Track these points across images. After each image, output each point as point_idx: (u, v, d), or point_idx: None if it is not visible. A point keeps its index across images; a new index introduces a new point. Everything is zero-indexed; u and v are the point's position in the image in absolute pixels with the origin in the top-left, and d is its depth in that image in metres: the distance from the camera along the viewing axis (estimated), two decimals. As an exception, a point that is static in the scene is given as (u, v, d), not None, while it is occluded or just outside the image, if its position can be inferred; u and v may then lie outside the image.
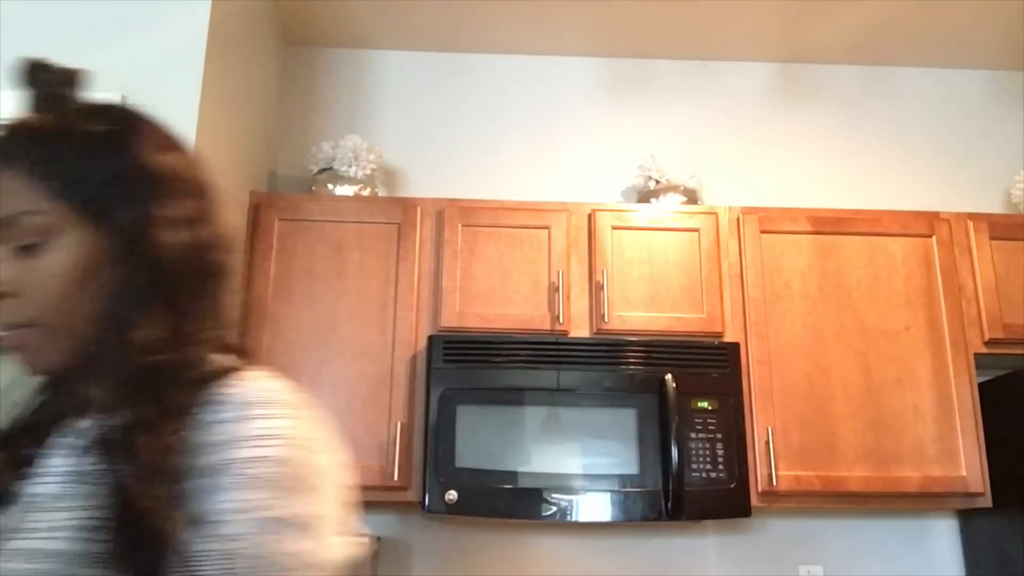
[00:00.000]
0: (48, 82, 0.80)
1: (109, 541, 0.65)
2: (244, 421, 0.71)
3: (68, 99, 0.81)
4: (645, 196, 2.69)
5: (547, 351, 2.28)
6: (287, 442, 0.71)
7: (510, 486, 2.18)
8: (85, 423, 0.74)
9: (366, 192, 2.60)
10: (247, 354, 0.81)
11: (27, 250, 0.75)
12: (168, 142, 0.86)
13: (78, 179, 0.77)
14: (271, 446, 0.70)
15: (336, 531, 0.73)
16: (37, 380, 0.82)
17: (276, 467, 0.69)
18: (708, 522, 2.54)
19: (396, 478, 2.23)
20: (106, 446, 0.69)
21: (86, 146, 0.78)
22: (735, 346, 2.34)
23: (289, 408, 0.74)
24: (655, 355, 2.30)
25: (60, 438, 0.76)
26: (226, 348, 0.81)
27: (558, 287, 2.40)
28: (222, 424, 0.70)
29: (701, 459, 2.21)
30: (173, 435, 0.68)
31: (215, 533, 0.66)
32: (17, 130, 0.78)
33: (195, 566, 0.65)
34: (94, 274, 0.75)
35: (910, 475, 2.30)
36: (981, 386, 2.42)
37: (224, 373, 0.74)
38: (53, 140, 0.78)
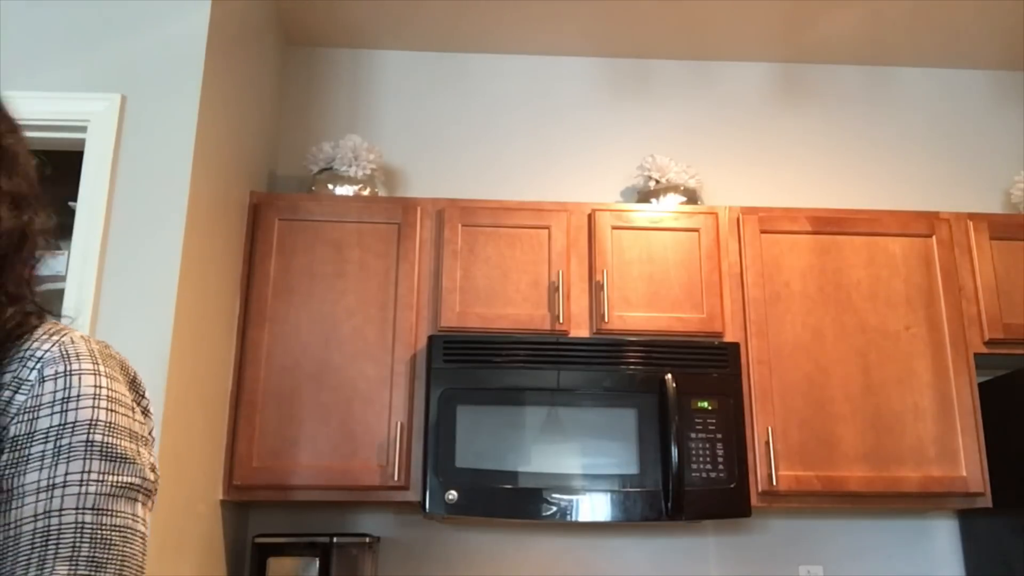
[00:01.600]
0: None
1: None
2: (59, 378, 0.68)
3: None
4: (645, 196, 2.69)
5: (547, 351, 2.29)
6: (109, 404, 0.69)
7: (510, 486, 2.18)
8: None
9: (366, 192, 2.60)
10: (49, 314, 0.76)
11: None
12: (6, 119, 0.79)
13: None
14: (97, 408, 0.68)
15: (150, 493, 0.71)
16: None
17: (104, 433, 0.68)
18: (708, 522, 2.54)
19: (396, 478, 2.23)
20: None
21: None
22: (735, 346, 2.34)
23: (98, 362, 0.71)
24: (655, 355, 2.30)
25: None
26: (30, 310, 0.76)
27: (558, 287, 2.40)
28: (39, 384, 0.68)
29: (701, 459, 2.21)
30: None
31: (39, 511, 0.64)
32: None
33: (19, 543, 0.63)
34: None
35: (910, 475, 2.30)
36: (981, 386, 2.42)
37: (29, 331, 0.71)
38: None
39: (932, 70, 3.09)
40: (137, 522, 0.68)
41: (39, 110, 1.89)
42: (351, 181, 2.59)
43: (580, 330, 2.40)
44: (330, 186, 2.59)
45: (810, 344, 2.40)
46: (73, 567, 0.63)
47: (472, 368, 2.26)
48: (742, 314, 2.43)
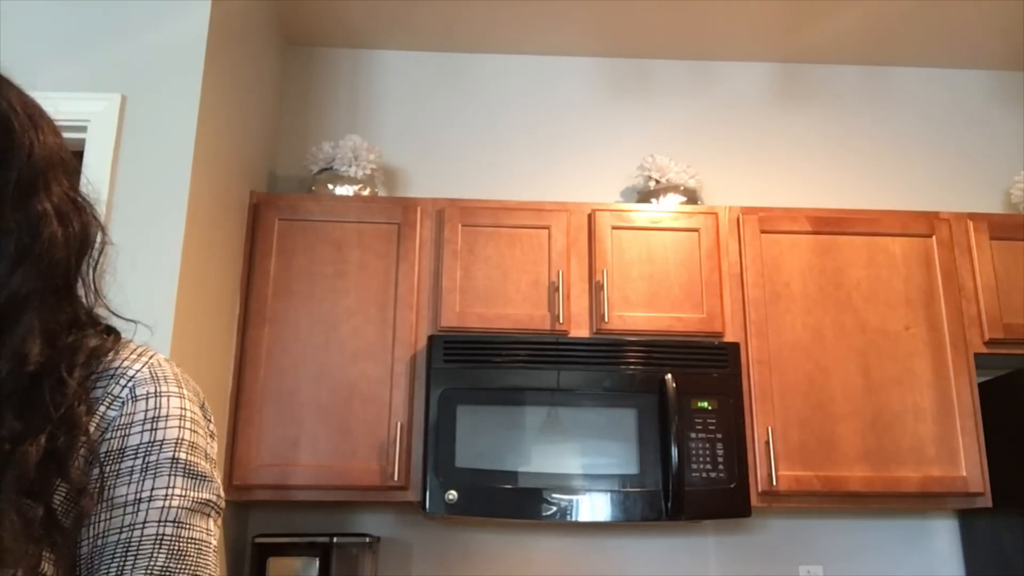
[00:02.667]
0: None
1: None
2: (149, 399, 0.71)
3: None
4: (645, 196, 2.69)
5: (547, 351, 2.29)
6: (192, 425, 0.73)
7: (510, 486, 2.18)
8: None
9: (366, 192, 2.60)
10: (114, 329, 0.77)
11: None
12: (41, 119, 0.76)
13: None
14: (180, 428, 0.72)
15: (221, 510, 0.74)
16: None
17: (186, 452, 0.71)
18: (708, 522, 2.54)
19: (396, 478, 2.23)
20: None
21: None
22: (735, 346, 2.34)
23: (181, 386, 0.75)
24: (655, 355, 2.30)
25: None
26: (97, 322, 0.77)
27: (558, 287, 2.40)
28: (131, 402, 0.70)
29: (701, 459, 2.21)
30: (69, 436, 0.66)
31: (125, 523, 0.67)
32: None
33: (103, 553, 0.66)
34: None
35: (910, 475, 2.30)
36: (981, 386, 2.42)
37: (111, 349, 0.73)
38: None
39: (932, 70, 3.09)
40: (211, 536, 0.72)
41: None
42: (351, 181, 2.59)
43: (580, 330, 2.40)
44: (330, 186, 2.58)
45: (810, 344, 2.40)
46: None
47: (472, 368, 2.26)
48: (742, 314, 2.43)
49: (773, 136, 3.00)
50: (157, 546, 0.67)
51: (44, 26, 2.03)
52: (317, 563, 2.24)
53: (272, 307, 2.37)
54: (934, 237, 2.51)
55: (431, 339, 2.29)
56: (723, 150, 2.97)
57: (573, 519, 2.19)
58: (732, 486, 2.20)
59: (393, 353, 2.35)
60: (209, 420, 0.78)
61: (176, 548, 0.68)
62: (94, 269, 0.76)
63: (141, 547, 0.67)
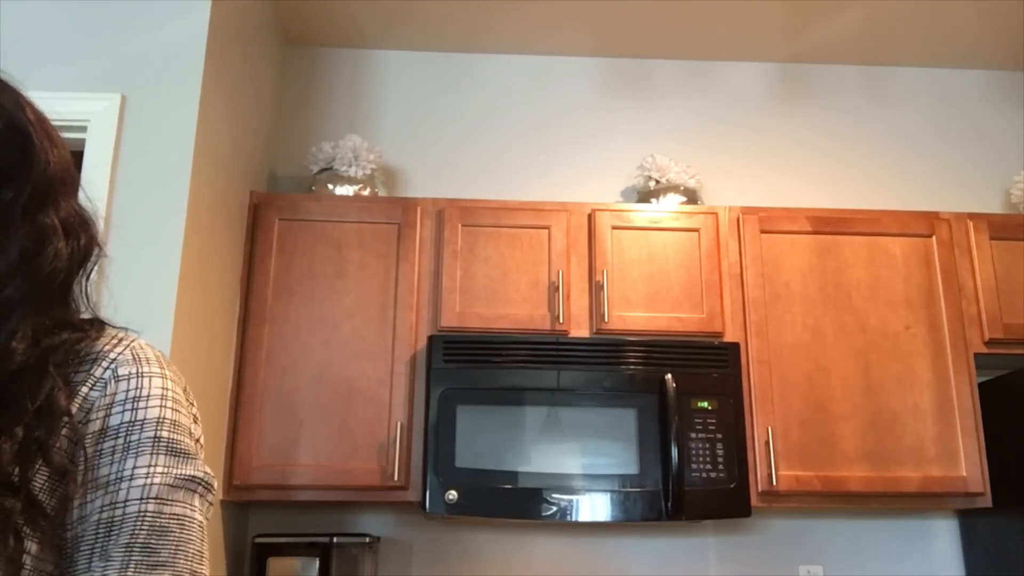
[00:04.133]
0: None
1: None
2: (132, 379, 0.72)
3: None
4: (645, 196, 2.69)
5: (547, 351, 2.29)
6: (175, 404, 0.74)
7: (510, 486, 2.18)
8: None
9: (366, 192, 2.60)
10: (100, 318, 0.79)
11: None
12: (54, 133, 0.79)
13: None
14: (164, 407, 0.72)
15: (209, 487, 0.75)
16: None
17: (169, 431, 0.72)
18: (708, 522, 2.54)
19: (396, 478, 2.23)
20: None
21: None
22: (735, 346, 2.34)
23: (163, 367, 0.76)
24: (655, 355, 2.30)
25: None
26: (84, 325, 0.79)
27: (558, 287, 2.40)
28: (112, 382, 0.71)
29: (701, 459, 2.21)
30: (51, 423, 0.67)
31: (106, 503, 0.67)
32: None
33: (85, 533, 0.66)
34: None
35: (910, 475, 2.30)
36: (981, 386, 2.42)
37: (94, 338, 0.74)
38: None
39: (932, 70, 3.09)
40: (195, 511, 0.72)
41: (39, 110, 1.89)
42: (351, 181, 2.59)
43: (580, 330, 2.40)
44: (330, 186, 2.58)
45: (810, 344, 2.40)
46: (127, 553, 0.66)
47: (472, 368, 2.26)
48: (742, 314, 2.43)
49: (773, 136, 3.00)
50: (139, 523, 0.67)
51: (44, 26, 2.03)
52: (317, 563, 2.24)
53: (272, 307, 2.37)
54: (934, 237, 2.51)
55: (431, 339, 2.29)
56: (723, 150, 2.97)
57: (573, 519, 2.19)
58: (732, 486, 2.20)
59: (393, 353, 2.35)
60: (191, 404, 0.78)
61: (158, 524, 0.68)
62: (87, 279, 0.77)
63: (124, 525, 0.67)
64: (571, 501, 2.18)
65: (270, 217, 2.44)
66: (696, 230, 2.49)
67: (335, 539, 2.27)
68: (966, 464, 2.31)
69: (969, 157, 3.00)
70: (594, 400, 2.26)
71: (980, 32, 2.88)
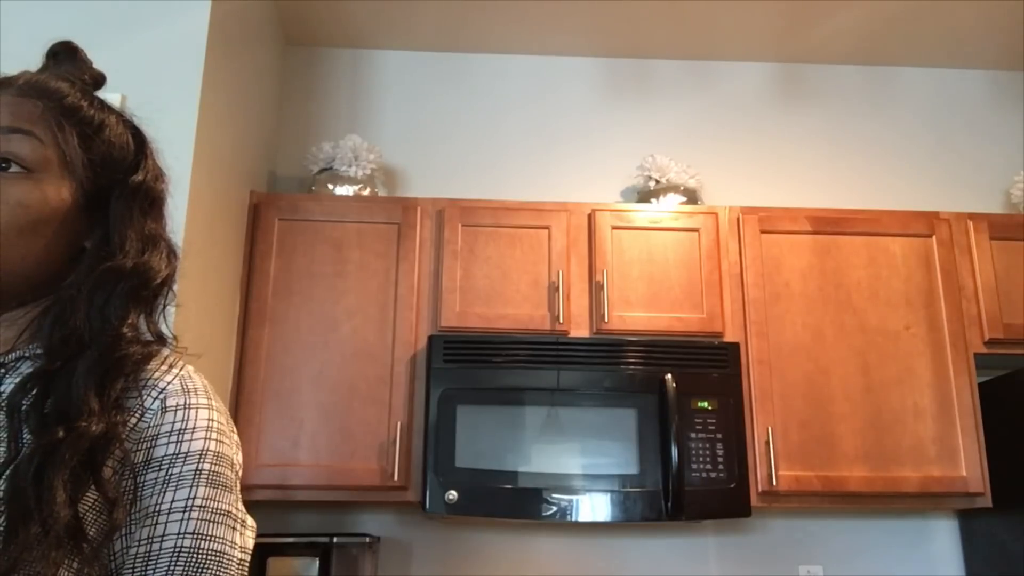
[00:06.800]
0: (82, 68, 0.84)
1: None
2: (179, 411, 0.72)
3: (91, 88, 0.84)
4: (645, 196, 2.69)
5: (547, 351, 2.28)
6: (219, 436, 0.74)
7: (510, 486, 2.18)
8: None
9: (366, 192, 2.60)
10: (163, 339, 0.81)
11: (6, 170, 0.73)
12: (161, 173, 0.88)
13: (96, 151, 0.78)
14: (208, 439, 0.72)
15: (245, 523, 0.75)
16: None
17: (212, 463, 0.72)
18: (708, 522, 2.54)
19: (396, 478, 2.23)
20: (43, 421, 0.66)
21: (109, 131, 0.80)
22: (735, 346, 2.34)
23: (211, 397, 0.76)
24: (655, 355, 2.30)
25: None
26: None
27: (558, 287, 2.40)
28: (160, 414, 0.71)
29: (701, 459, 2.21)
30: (111, 426, 0.68)
31: (144, 536, 0.67)
32: (57, 79, 0.80)
33: (123, 567, 0.66)
34: (57, 229, 0.75)
35: (910, 475, 2.30)
36: (981, 386, 2.42)
37: (155, 359, 0.76)
38: (88, 104, 0.80)
39: (932, 70, 3.09)
40: (234, 548, 0.71)
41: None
42: (351, 181, 2.59)
43: (580, 330, 2.40)
44: (330, 186, 2.58)
45: (810, 344, 2.40)
46: None
47: (472, 368, 2.26)
48: (742, 314, 2.43)
49: (773, 136, 3.00)
50: (175, 559, 0.67)
51: (44, 26, 2.03)
52: (317, 563, 2.24)
53: (272, 307, 2.37)
54: (934, 237, 2.51)
55: (431, 339, 2.29)
56: (723, 150, 2.97)
57: (573, 519, 2.19)
58: (732, 486, 2.20)
59: (393, 353, 2.35)
60: (233, 431, 0.79)
61: (195, 560, 0.67)
62: (166, 297, 0.81)
63: (160, 560, 0.67)
64: (571, 501, 2.18)
65: (270, 217, 2.44)
66: (696, 230, 2.49)
67: (335, 539, 2.27)
68: (966, 464, 2.31)
69: (969, 157, 3.00)
70: (594, 400, 2.26)
71: (980, 32, 2.88)
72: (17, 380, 0.69)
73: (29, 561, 0.61)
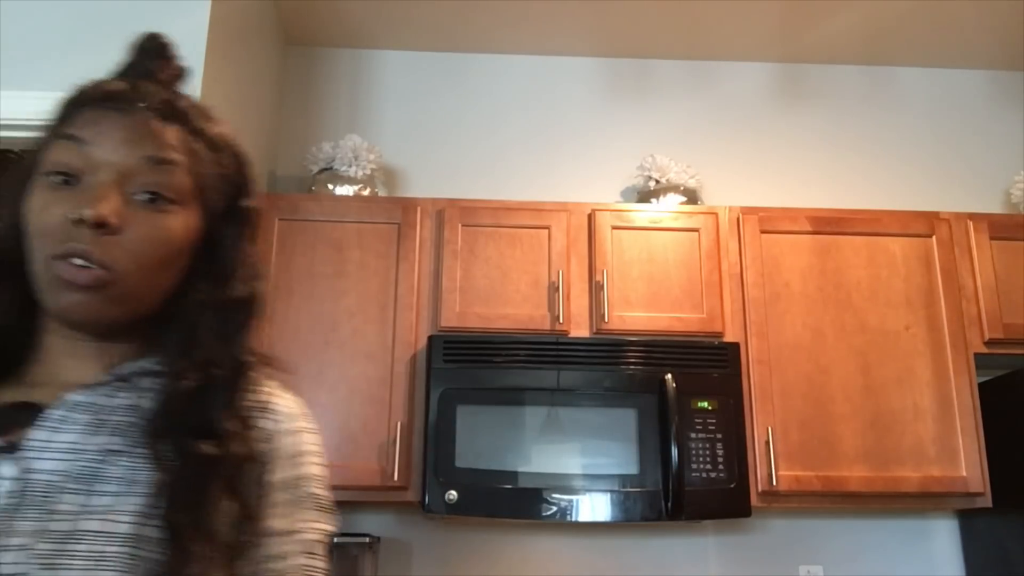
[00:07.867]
0: (173, 66, 0.84)
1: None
2: (294, 435, 0.77)
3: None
4: (645, 196, 2.69)
5: (547, 351, 2.28)
6: (322, 459, 0.79)
7: (510, 486, 2.18)
8: (115, 398, 0.71)
9: (366, 192, 2.60)
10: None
11: (151, 202, 0.73)
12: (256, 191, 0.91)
13: (225, 180, 0.79)
14: (316, 463, 0.78)
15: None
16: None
17: (319, 487, 0.78)
18: (708, 522, 2.54)
19: (396, 478, 2.23)
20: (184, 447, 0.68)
21: (234, 157, 0.83)
22: (735, 346, 2.34)
23: (311, 422, 0.81)
24: (655, 355, 2.30)
25: (67, 411, 0.70)
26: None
27: (558, 287, 2.40)
28: (278, 436, 0.76)
29: (701, 459, 2.21)
30: (241, 445, 0.72)
31: (273, 552, 0.72)
32: (180, 98, 0.80)
33: None
34: (185, 260, 0.76)
35: (910, 475, 2.30)
36: (981, 386, 2.42)
37: (262, 381, 0.79)
38: (218, 133, 0.81)
39: (932, 70, 3.09)
40: (325, 563, 0.78)
41: (39, 110, 1.87)
42: (351, 181, 2.59)
43: (580, 330, 2.39)
44: (330, 186, 2.58)
45: (810, 344, 2.40)
46: None
47: (472, 368, 2.26)
48: (742, 314, 2.42)
49: (773, 136, 3.00)
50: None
51: (43, 25, 2.03)
52: (317, 563, 2.24)
53: (272, 307, 2.37)
54: (934, 237, 2.51)
55: (431, 339, 2.29)
56: (723, 150, 2.97)
57: (573, 519, 2.19)
58: (732, 486, 2.20)
59: (393, 353, 2.35)
60: None
61: None
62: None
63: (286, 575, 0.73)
64: (571, 501, 2.18)
65: (270, 217, 2.44)
66: (696, 230, 2.49)
67: (335, 539, 2.27)
68: (966, 464, 2.31)
69: (969, 157, 3.00)
70: (594, 400, 2.26)
71: (980, 32, 2.88)
72: (141, 394, 0.71)
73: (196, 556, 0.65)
